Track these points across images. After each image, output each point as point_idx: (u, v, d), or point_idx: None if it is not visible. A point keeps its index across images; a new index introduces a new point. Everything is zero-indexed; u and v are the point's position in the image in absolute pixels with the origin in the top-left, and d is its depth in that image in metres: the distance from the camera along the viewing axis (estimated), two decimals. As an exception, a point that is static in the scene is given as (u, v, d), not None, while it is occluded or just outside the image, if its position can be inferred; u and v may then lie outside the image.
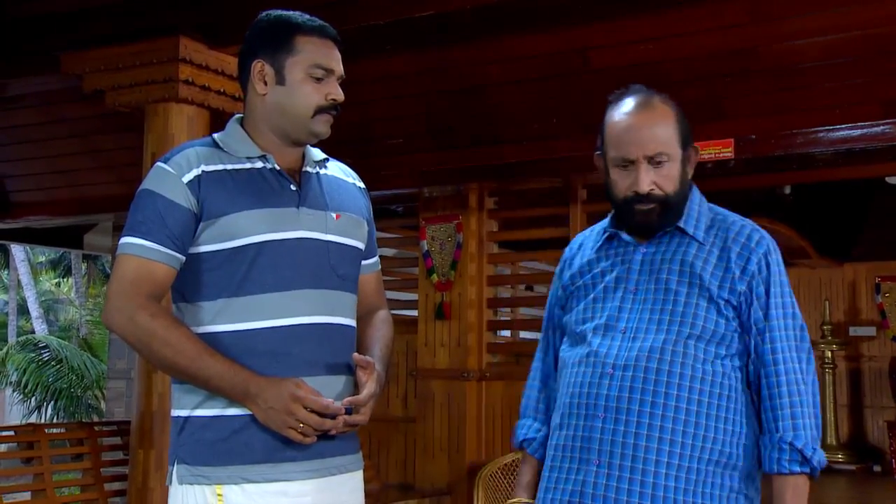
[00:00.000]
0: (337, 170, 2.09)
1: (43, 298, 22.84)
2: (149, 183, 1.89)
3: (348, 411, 1.87)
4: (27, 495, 4.46)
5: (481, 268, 5.51)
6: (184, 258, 1.88)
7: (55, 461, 4.48)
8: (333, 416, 1.83)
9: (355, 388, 1.91)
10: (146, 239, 1.84)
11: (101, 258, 19.79)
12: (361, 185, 2.13)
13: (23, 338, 17.37)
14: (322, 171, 2.03)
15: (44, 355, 14.50)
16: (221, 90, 4.17)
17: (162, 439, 3.98)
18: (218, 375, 1.79)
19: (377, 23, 3.62)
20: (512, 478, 5.07)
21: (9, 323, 23.37)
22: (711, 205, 2.12)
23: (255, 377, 1.80)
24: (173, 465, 1.88)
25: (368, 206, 2.12)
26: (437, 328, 5.51)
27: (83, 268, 22.00)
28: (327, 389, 1.86)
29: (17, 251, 20.28)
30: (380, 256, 2.25)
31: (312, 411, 1.80)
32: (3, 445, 4.44)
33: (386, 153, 4.97)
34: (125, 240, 1.87)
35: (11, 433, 4.59)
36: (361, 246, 2.05)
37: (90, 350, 15.26)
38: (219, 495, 1.81)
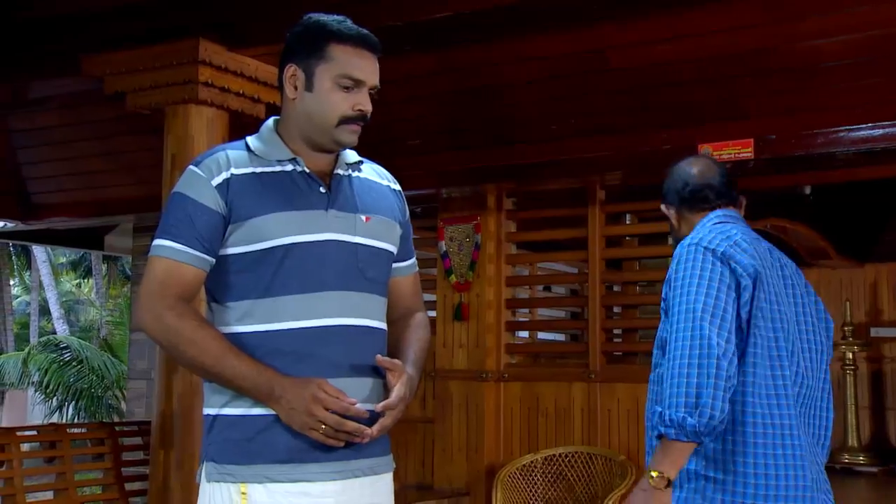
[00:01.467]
0: (371, 172, 2.09)
1: (64, 299, 23.04)
2: (180, 186, 1.93)
3: (374, 415, 1.86)
4: (50, 494, 4.50)
5: (499, 268, 5.52)
6: (213, 260, 1.91)
7: (77, 461, 4.52)
8: (359, 418, 1.83)
9: (385, 391, 1.91)
10: (176, 241, 1.88)
11: (120, 259, 19.91)
12: (396, 187, 2.13)
13: (44, 338, 17.53)
14: (354, 174, 2.03)
15: (65, 355, 14.61)
16: (241, 92, 4.19)
17: (182, 439, 4.00)
18: (242, 376, 1.82)
19: (396, 23, 3.63)
20: (531, 478, 5.07)
21: (31, 323, 23.58)
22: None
23: (279, 378, 1.82)
24: (202, 463, 1.91)
25: (403, 209, 2.12)
26: (456, 329, 5.52)
27: (103, 269, 22.17)
28: (353, 391, 1.86)
29: (39, 252, 20.46)
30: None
31: (334, 412, 1.81)
32: (26, 445, 4.46)
33: (405, 154, 4.98)
34: (156, 242, 1.91)
35: (35, 433, 4.63)
36: (392, 249, 2.04)
37: (110, 350, 15.37)
38: (243, 493, 1.83)
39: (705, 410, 2.06)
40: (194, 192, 1.89)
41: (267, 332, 1.87)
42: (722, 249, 2.23)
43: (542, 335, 6.37)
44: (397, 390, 1.88)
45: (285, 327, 1.86)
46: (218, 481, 1.86)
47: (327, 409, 1.80)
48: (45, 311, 23.38)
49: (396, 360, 1.93)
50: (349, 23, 1.96)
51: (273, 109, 4.43)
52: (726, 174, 2.56)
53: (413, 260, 2.18)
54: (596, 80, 4.53)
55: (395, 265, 2.10)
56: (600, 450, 5.03)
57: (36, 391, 15.42)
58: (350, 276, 1.92)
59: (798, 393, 2.25)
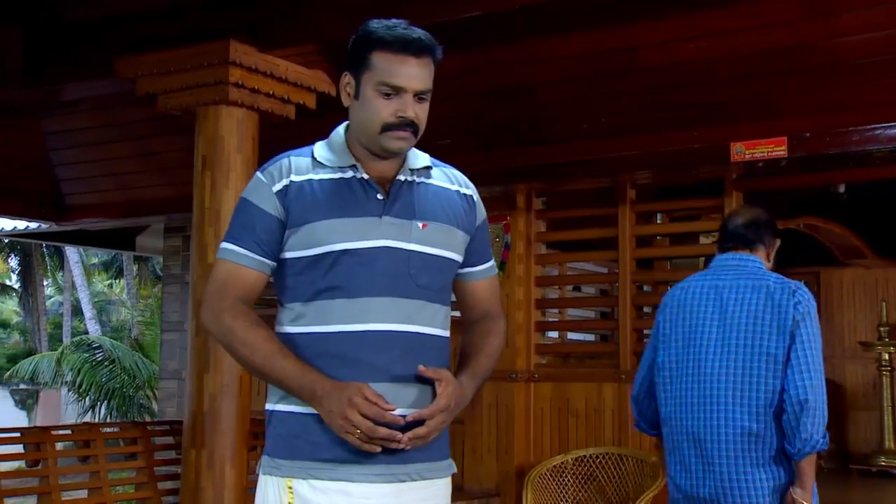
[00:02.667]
0: (442, 177, 2.08)
1: (96, 299, 23.28)
2: (245, 191, 2.01)
3: (411, 424, 1.86)
4: (84, 493, 4.55)
5: (529, 268, 5.51)
6: (273, 263, 1.98)
7: (110, 460, 4.57)
8: (394, 425, 1.84)
9: (434, 399, 1.91)
10: (237, 245, 1.97)
11: (151, 260, 20.09)
12: (467, 191, 2.09)
13: (77, 338, 17.74)
14: (419, 180, 2.03)
15: (97, 355, 14.77)
16: (271, 93, 4.22)
17: (213, 439, 4.04)
18: (288, 376, 1.89)
19: (424, 24, 3.63)
20: (561, 479, 5.06)
21: (63, 323, 23.87)
22: None
23: (323, 380, 1.86)
24: (263, 455, 1.99)
25: (474, 214, 2.09)
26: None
27: (134, 269, 22.38)
28: (396, 397, 1.87)
29: (71, 253, 20.70)
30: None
31: (369, 418, 1.82)
32: (60, 444, 4.52)
33: (434, 154, 4.97)
34: (221, 244, 2.01)
35: (69, 432, 4.69)
36: (452, 255, 2.03)
37: (141, 350, 15.51)
38: (289, 488, 1.90)
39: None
40: (256, 198, 1.97)
41: (315, 334, 1.92)
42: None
43: (571, 335, 6.35)
44: (436, 401, 1.89)
45: (332, 330, 1.91)
46: (269, 474, 1.94)
47: (363, 415, 1.82)
48: (77, 311, 23.65)
49: (442, 370, 1.92)
50: (399, 28, 1.95)
51: (302, 110, 4.45)
52: (753, 219, 2.90)
53: (489, 264, 2.15)
54: (627, 79, 4.51)
55: (467, 270, 2.11)
56: (631, 451, 5.00)
57: (69, 391, 15.61)
58: (401, 283, 1.94)
59: None
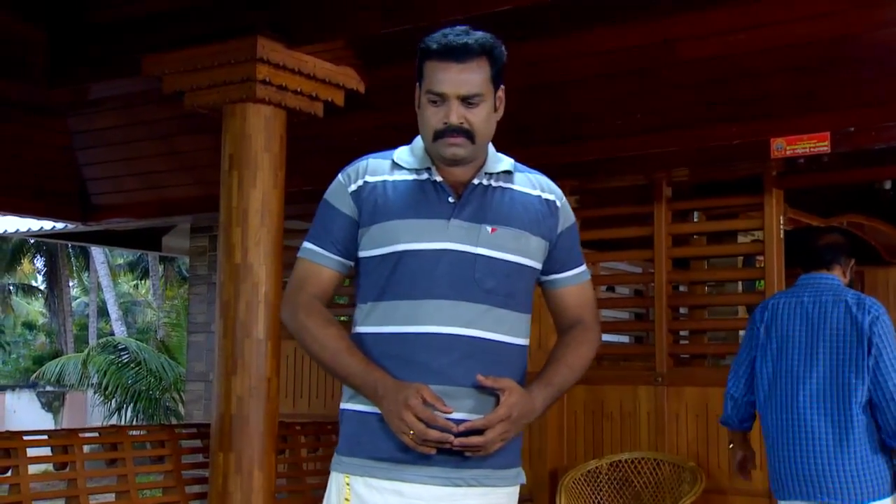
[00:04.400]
0: (524, 181, 2.09)
1: (122, 300, 23.54)
2: (327, 192, 2.11)
3: (467, 431, 1.88)
4: (111, 497, 4.59)
5: (562, 268, 5.48)
6: (350, 262, 2.08)
7: (137, 463, 4.61)
8: (448, 430, 1.87)
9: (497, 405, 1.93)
10: (315, 244, 2.09)
11: (177, 260, 20.28)
12: (550, 197, 2.10)
13: (103, 339, 17.93)
14: (497, 184, 2.05)
15: (123, 357, 14.91)
16: (298, 90, 4.23)
17: (241, 442, 4.06)
18: (353, 373, 1.97)
19: (454, 17, 3.63)
20: (595, 484, 5.04)
21: (89, 325, 24.14)
22: None
23: (385, 379, 1.92)
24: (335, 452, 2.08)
25: (555, 220, 2.09)
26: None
27: (160, 270, 22.59)
28: (454, 401, 1.90)
29: (97, 253, 20.94)
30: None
31: (423, 420, 1.86)
32: (87, 447, 4.57)
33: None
34: (302, 243, 2.12)
35: (96, 434, 4.73)
36: (524, 261, 2.03)
37: (167, 352, 15.64)
38: (347, 484, 1.98)
39: None
40: (333, 199, 2.08)
41: (379, 334, 1.99)
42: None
43: (605, 337, 6.29)
44: (495, 411, 1.89)
45: (393, 331, 1.98)
46: (334, 470, 2.03)
47: (417, 416, 1.86)
48: (103, 312, 23.92)
49: (504, 380, 1.93)
50: (452, 34, 1.98)
51: (330, 107, 4.47)
52: (831, 243, 3.44)
53: (577, 270, 2.15)
54: (663, 74, 4.48)
55: (552, 276, 2.13)
56: (668, 456, 4.97)
57: (95, 393, 15.77)
58: (464, 287, 1.97)
59: None
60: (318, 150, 5.37)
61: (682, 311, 5.59)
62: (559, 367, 2.06)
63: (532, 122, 4.94)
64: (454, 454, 1.90)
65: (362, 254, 2.04)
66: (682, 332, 5.62)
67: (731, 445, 3.72)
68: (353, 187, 2.05)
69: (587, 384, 5.33)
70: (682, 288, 5.84)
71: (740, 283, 6.22)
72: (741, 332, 6.52)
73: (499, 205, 2.03)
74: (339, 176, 2.08)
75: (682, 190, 5.32)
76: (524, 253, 2.03)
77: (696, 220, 5.60)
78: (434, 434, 1.86)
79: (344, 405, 2.05)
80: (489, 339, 1.98)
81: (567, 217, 2.12)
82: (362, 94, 4.49)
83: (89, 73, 4.87)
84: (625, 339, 7.44)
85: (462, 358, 1.94)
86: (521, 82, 4.90)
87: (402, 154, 2.08)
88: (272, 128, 4.20)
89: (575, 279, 2.15)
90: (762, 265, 4.96)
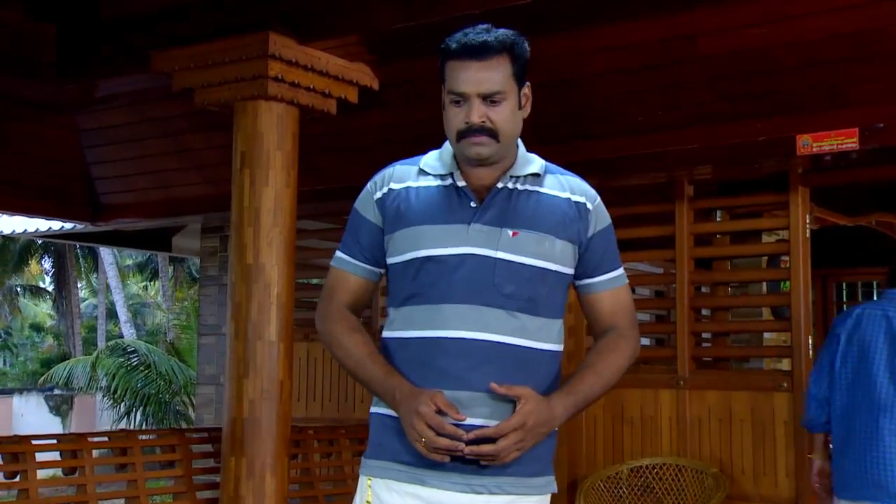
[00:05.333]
0: (554, 184, 2.09)
1: (131, 302, 23.64)
2: (356, 201, 2.18)
3: (479, 439, 1.89)
4: (121, 502, 4.62)
5: (581, 269, 5.47)
6: (379, 270, 2.15)
7: (147, 468, 4.63)
8: (461, 439, 1.89)
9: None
10: (344, 252, 2.17)
11: (187, 261, 20.36)
12: (580, 199, 2.09)
13: (112, 342, 18.02)
14: (524, 187, 2.06)
15: (132, 360, 14.99)
16: (311, 87, 4.24)
17: (253, 447, 4.07)
18: (374, 379, 2.03)
19: (471, 12, 3.64)
20: (616, 491, 5.03)
21: (98, 327, 24.27)
22: None
23: (403, 386, 1.97)
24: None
25: (585, 223, 2.08)
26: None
27: (170, 271, 22.68)
28: (471, 407, 1.93)
29: (106, 254, 21.03)
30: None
31: (433, 427, 1.89)
32: (96, 451, 4.59)
33: (479, 149, 4.97)
34: (335, 252, 2.20)
35: (106, 439, 4.75)
36: (546, 265, 2.03)
37: (177, 355, 15.71)
38: (369, 485, 2.05)
39: None
40: (361, 207, 2.15)
41: (401, 339, 2.04)
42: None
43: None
44: (508, 420, 1.90)
45: (414, 336, 2.02)
46: (361, 472, 2.10)
47: (428, 424, 1.89)
48: (112, 314, 24.04)
49: (519, 388, 1.92)
50: (472, 33, 2.00)
51: (343, 104, 4.48)
52: None
53: (611, 275, 2.13)
54: (685, 69, 4.46)
55: (585, 281, 2.13)
56: (690, 461, 4.96)
57: (104, 397, 15.85)
58: (483, 291, 1.99)
59: None
60: (331, 148, 5.39)
61: (704, 312, 5.57)
62: (586, 375, 2.05)
63: (550, 119, 4.93)
64: (472, 461, 1.91)
65: (389, 260, 2.10)
66: (704, 335, 5.59)
67: (810, 455, 3.89)
68: (378, 195, 2.10)
69: (607, 388, 5.32)
70: (704, 289, 5.82)
71: (764, 284, 6.19)
72: (766, 335, 6.52)
73: (523, 208, 2.03)
74: (368, 184, 2.14)
75: (704, 188, 5.30)
76: (547, 257, 2.03)
77: (718, 219, 5.58)
78: (443, 442, 1.88)
79: (371, 408, 2.10)
80: (509, 344, 1.98)
81: (600, 220, 2.11)
82: (376, 90, 4.50)
83: (98, 69, 4.90)
84: (646, 341, 7.43)
85: (480, 363, 1.95)
86: (539, 78, 4.90)
87: (430, 159, 2.11)
88: (284, 125, 4.21)
89: (608, 284, 2.14)
90: (787, 266, 4.93)
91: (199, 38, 4.20)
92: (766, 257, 6.33)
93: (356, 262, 2.13)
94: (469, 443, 1.88)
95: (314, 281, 7.79)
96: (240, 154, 4.21)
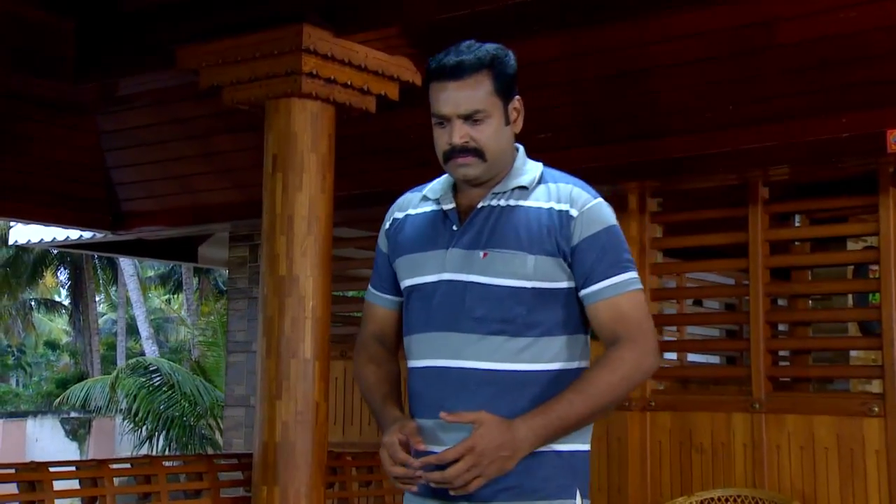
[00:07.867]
0: (542, 194, 2.17)
1: (153, 317, 23.90)
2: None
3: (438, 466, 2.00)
4: (143, 534, 4.66)
5: (643, 280, 5.42)
6: (400, 298, 2.30)
7: (172, 497, 4.66)
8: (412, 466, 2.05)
9: None
10: (371, 283, 2.38)
11: (213, 272, 20.57)
12: (565, 207, 2.14)
13: (132, 360, 18.22)
14: (506, 203, 2.17)
15: (154, 380, 15.11)
16: (348, 83, 4.26)
17: (287, 474, 4.10)
18: (374, 410, 2.26)
19: (516, 0, 3.65)
20: (684, 526, 4.98)
21: (117, 344, 24.57)
22: None
23: (389, 415, 2.18)
24: None
25: (569, 231, 2.12)
26: (594, 349, 5.47)
27: (195, 283, 22.89)
28: (448, 433, 2.07)
29: (126, 265, 21.28)
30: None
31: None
32: (117, 479, 4.64)
33: (532, 150, 4.96)
34: None
35: (128, 466, 4.80)
36: (517, 283, 2.10)
37: (203, 374, 15.81)
38: None
39: None
40: (379, 238, 2.35)
41: (409, 369, 2.23)
42: None
43: (692, 357, 6.26)
44: (455, 446, 1.99)
45: (411, 366, 2.22)
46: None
47: (389, 453, 2.07)
48: (132, 329, 24.34)
49: (475, 413, 2.00)
50: (450, 53, 2.14)
51: (383, 102, 4.50)
52: None
53: (606, 283, 2.14)
54: (761, 59, 4.44)
55: (581, 293, 2.15)
56: (768, 493, 4.90)
57: (124, 419, 16.02)
58: (454, 317, 2.13)
59: None
60: (369, 149, 5.42)
61: (781, 328, 5.51)
62: (565, 394, 2.07)
63: (608, 116, 4.92)
64: (443, 491, 2.05)
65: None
66: (782, 353, 5.53)
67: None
68: (387, 225, 2.31)
69: (673, 410, 5.29)
70: (781, 302, 5.76)
71: (850, 296, 6.11)
72: (852, 353, 6.43)
73: (502, 226, 2.14)
74: (387, 213, 2.34)
75: (781, 190, 5.26)
76: (518, 275, 2.10)
77: (797, 224, 5.53)
78: (398, 470, 2.04)
79: None
80: (485, 370, 2.09)
81: (588, 226, 2.14)
82: (419, 86, 4.52)
83: (119, 66, 4.96)
84: (715, 359, 7.36)
85: (457, 390, 2.10)
86: (596, 71, 4.90)
87: (435, 184, 2.27)
88: (319, 125, 4.24)
89: (603, 293, 2.14)
90: (877, 275, 4.87)
91: (228, 32, 4.25)
92: (852, 266, 6.24)
93: (377, 292, 2.34)
94: (427, 469, 2.01)
95: (351, 293, 7.83)
96: (271, 157, 4.25)
